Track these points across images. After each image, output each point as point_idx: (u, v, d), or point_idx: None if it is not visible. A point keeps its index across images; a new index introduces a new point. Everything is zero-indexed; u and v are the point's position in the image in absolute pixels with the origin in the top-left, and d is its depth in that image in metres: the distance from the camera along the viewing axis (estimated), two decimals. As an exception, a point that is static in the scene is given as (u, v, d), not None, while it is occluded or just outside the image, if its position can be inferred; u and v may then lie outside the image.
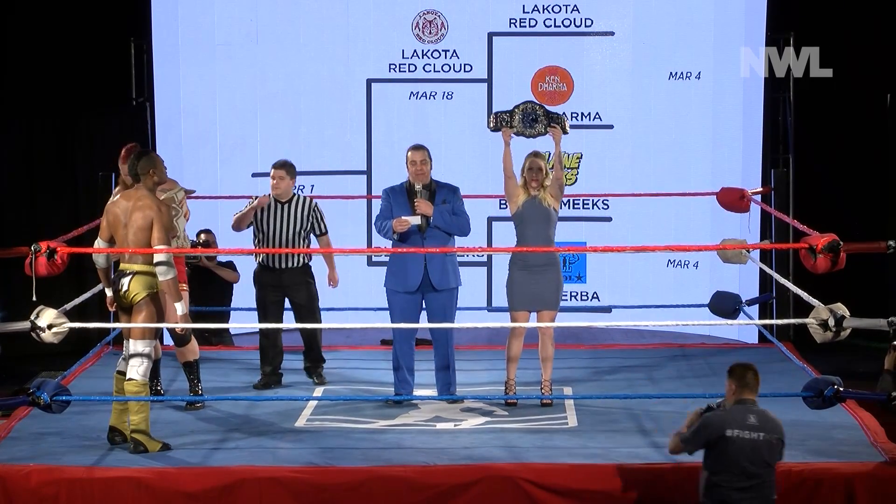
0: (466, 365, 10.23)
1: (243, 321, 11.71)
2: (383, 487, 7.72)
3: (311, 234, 10.18)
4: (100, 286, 8.87)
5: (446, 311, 9.53)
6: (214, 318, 11.33)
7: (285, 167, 10.14)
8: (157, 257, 8.21)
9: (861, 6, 12.49)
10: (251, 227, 10.15)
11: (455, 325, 9.56)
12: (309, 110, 12.66)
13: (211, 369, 10.46)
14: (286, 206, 10.12)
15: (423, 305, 9.56)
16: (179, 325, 8.52)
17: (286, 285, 10.16)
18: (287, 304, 10.24)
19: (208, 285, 11.44)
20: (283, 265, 10.15)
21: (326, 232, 10.21)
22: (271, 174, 10.13)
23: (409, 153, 9.56)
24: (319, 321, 10.24)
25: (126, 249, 8.26)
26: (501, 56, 12.64)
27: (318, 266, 10.33)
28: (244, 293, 11.34)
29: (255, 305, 10.35)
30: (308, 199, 10.20)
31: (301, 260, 10.16)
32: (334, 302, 11.91)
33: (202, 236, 11.52)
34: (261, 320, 10.23)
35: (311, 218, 10.12)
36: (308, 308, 10.19)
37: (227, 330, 11.74)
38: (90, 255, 8.64)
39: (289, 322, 10.29)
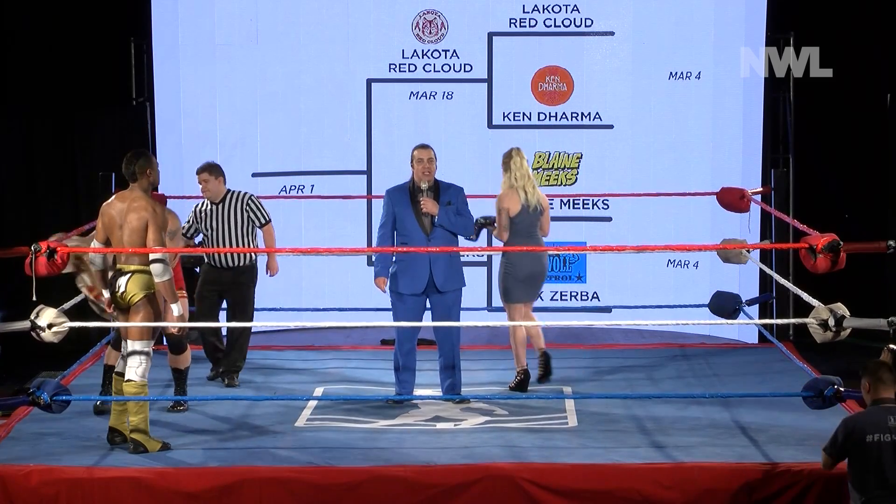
0: (467, 365, 10.21)
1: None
2: (383, 487, 7.73)
3: (256, 228, 10.29)
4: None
5: (451, 311, 9.54)
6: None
7: (207, 170, 10.29)
8: (153, 258, 8.21)
9: (861, 6, 12.48)
10: (196, 230, 10.32)
11: (456, 324, 9.54)
12: (309, 110, 12.65)
13: (207, 369, 10.47)
14: (220, 205, 10.22)
15: (428, 306, 9.57)
16: (177, 325, 8.52)
17: (225, 283, 10.22)
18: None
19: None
20: (230, 264, 10.21)
21: (268, 221, 10.30)
22: (197, 179, 10.28)
23: (416, 152, 9.56)
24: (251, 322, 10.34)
25: (125, 249, 8.26)
26: (501, 56, 12.64)
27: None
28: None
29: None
30: (242, 194, 10.29)
31: (247, 259, 10.22)
32: (335, 302, 11.91)
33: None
34: (196, 315, 10.29)
35: (246, 212, 10.19)
36: (241, 308, 10.25)
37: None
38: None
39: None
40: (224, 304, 10.43)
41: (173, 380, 9.58)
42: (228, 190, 10.28)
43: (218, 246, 10.11)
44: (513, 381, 9.95)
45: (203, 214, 10.26)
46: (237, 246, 10.12)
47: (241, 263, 10.25)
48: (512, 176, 9.91)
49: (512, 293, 9.99)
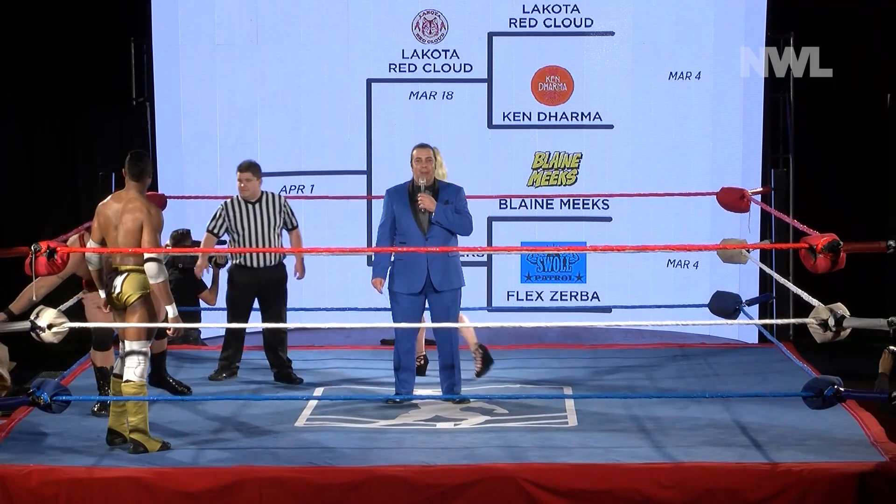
0: (467, 365, 10.22)
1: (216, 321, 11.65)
2: (383, 487, 7.72)
3: (284, 229, 10.33)
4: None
5: (449, 311, 9.52)
6: (188, 318, 11.32)
7: (251, 169, 10.27)
8: (147, 258, 8.19)
9: (861, 6, 12.49)
10: (226, 229, 10.28)
11: (456, 325, 9.55)
12: (309, 110, 12.65)
13: (207, 369, 10.47)
14: (256, 205, 10.22)
15: (427, 306, 9.57)
16: (175, 326, 8.50)
17: (261, 284, 10.22)
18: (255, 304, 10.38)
19: (187, 286, 11.32)
20: (261, 264, 10.22)
21: (297, 225, 10.35)
22: (238, 177, 10.25)
23: (415, 151, 9.56)
24: (285, 321, 10.35)
25: (124, 250, 8.25)
26: (501, 56, 12.64)
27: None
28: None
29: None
30: (277, 196, 10.32)
31: (277, 258, 10.25)
32: (334, 302, 11.91)
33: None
34: (229, 319, 10.28)
35: (282, 214, 10.23)
36: (276, 307, 10.27)
37: (198, 330, 11.69)
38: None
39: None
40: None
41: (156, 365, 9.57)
42: (263, 191, 10.29)
43: (252, 245, 10.11)
44: (478, 363, 10.23)
45: (235, 213, 10.23)
46: (271, 245, 10.15)
47: (275, 262, 10.28)
48: (441, 168, 10.05)
49: None
